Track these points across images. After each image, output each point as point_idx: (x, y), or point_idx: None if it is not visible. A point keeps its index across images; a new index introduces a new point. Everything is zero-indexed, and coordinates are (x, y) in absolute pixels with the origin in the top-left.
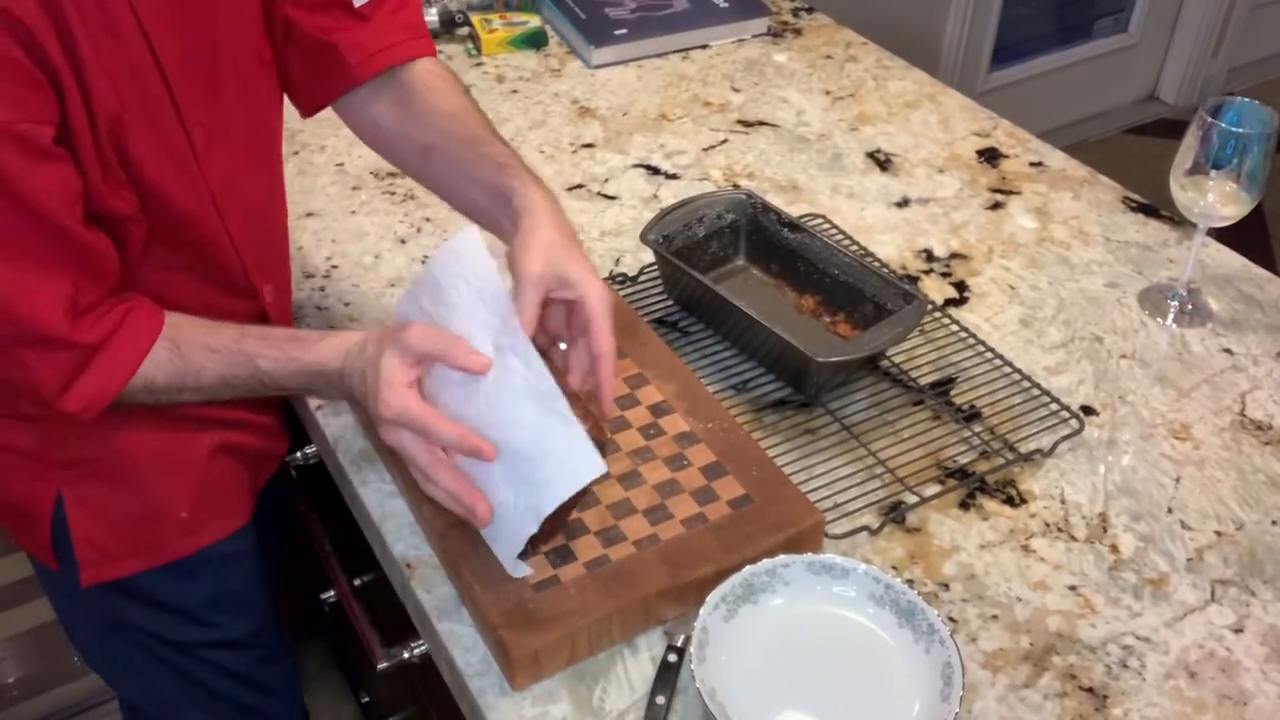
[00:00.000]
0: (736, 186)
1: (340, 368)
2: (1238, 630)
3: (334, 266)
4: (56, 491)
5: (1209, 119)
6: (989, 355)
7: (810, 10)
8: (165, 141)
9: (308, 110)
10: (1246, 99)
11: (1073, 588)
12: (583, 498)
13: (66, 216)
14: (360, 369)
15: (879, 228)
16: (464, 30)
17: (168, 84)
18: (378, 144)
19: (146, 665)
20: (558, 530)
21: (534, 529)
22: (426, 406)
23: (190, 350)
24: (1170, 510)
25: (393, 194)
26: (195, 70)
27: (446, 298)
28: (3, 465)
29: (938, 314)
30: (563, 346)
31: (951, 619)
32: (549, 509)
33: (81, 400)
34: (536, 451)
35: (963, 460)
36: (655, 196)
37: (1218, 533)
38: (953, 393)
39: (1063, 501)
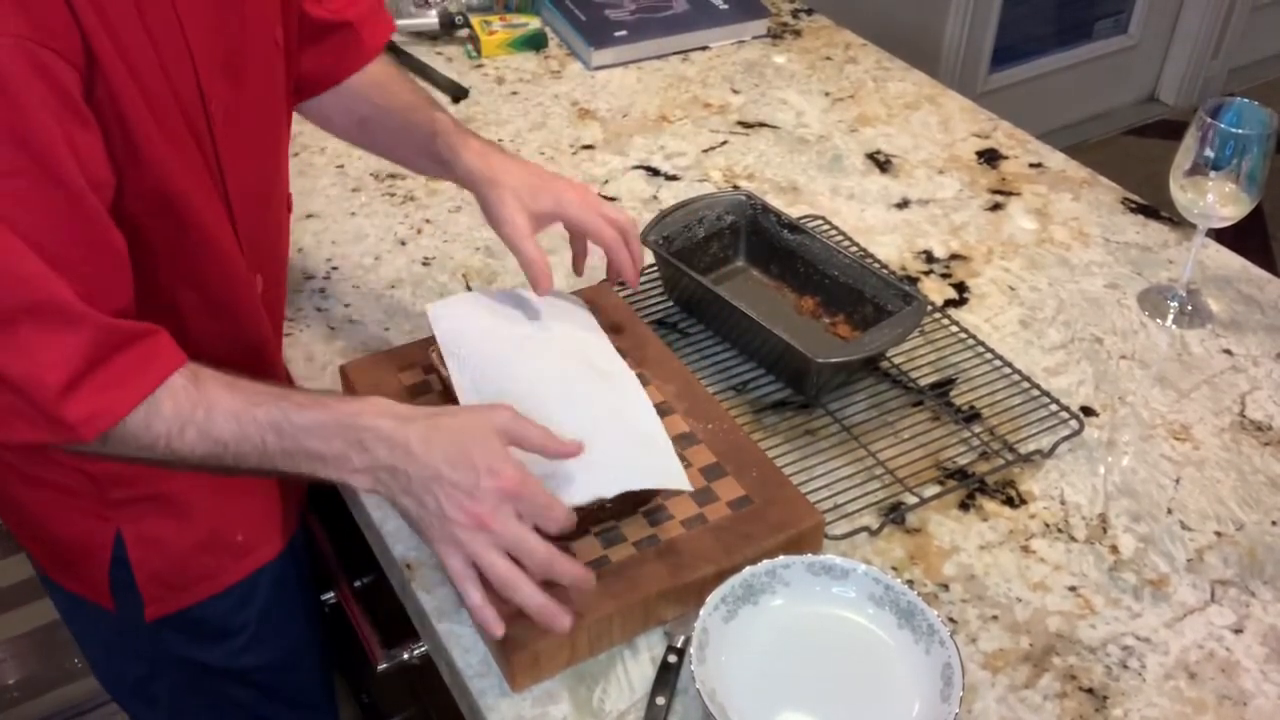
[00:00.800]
0: (736, 188)
1: (391, 431)
2: (1238, 631)
3: (334, 268)
4: (116, 530)
5: (1209, 120)
6: (989, 356)
7: (810, 12)
8: (183, 112)
9: (308, 94)
10: (1246, 100)
11: (1073, 588)
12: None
13: (91, 191)
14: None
15: (879, 229)
16: (464, 32)
17: (191, 52)
18: (314, 116)
19: (187, 698)
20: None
21: (603, 492)
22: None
23: (208, 383)
24: (1170, 511)
25: (393, 195)
26: (220, 42)
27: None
28: (58, 507)
29: (937, 315)
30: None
31: (951, 620)
32: (626, 487)
33: (87, 407)
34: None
35: (962, 461)
36: (655, 198)
37: (1218, 533)
38: (952, 393)
39: (1062, 502)
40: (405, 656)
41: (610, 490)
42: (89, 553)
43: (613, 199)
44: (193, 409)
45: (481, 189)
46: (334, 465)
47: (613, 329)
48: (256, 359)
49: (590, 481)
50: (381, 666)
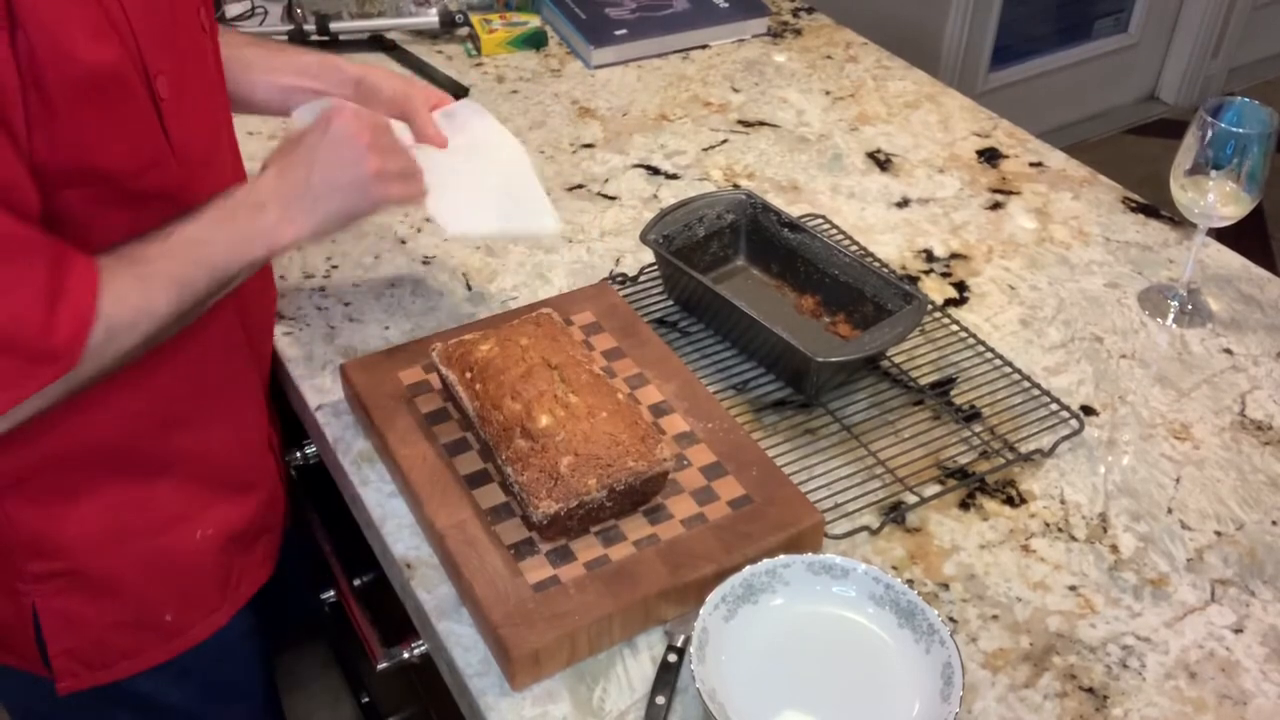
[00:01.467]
0: (736, 186)
1: (272, 174)
2: (1238, 630)
3: (334, 267)
4: (31, 605)
5: (1209, 119)
6: (989, 355)
7: (810, 10)
8: (128, 93)
9: None
10: (1246, 99)
11: (1073, 588)
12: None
13: None
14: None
15: (879, 228)
16: (464, 30)
17: (133, 30)
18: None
19: None
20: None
21: (483, 227)
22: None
23: (130, 251)
24: (1170, 510)
25: None
26: (156, 21)
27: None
28: None
29: (938, 314)
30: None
31: (951, 619)
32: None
33: (72, 322)
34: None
35: (963, 460)
36: (655, 196)
37: (1218, 533)
38: (953, 393)
39: (1063, 501)
40: (405, 655)
41: (483, 228)
42: (12, 626)
43: (613, 198)
44: (143, 277)
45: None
46: (261, 239)
47: (612, 329)
48: (225, 339)
49: (467, 216)
50: (381, 665)
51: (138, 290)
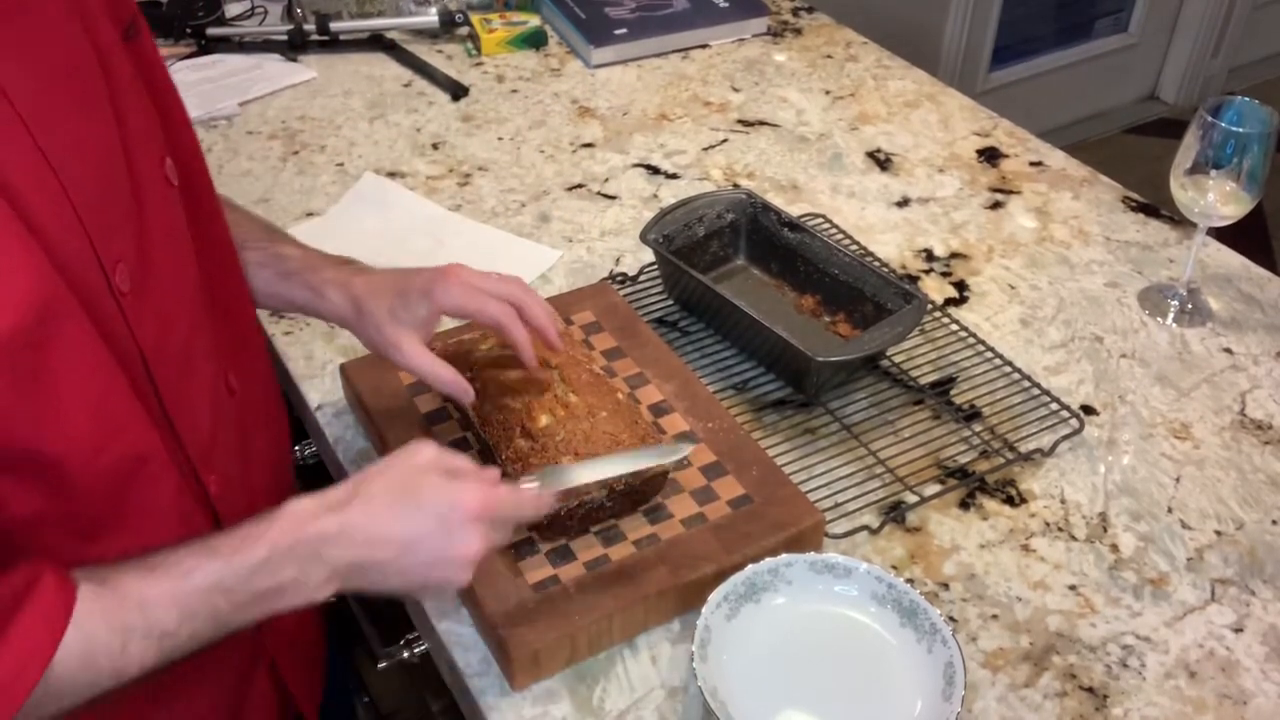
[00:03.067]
0: (736, 186)
1: (337, 529)
2: (1238, 630)
3: None
4: None
5: (1209, 119)
6: (989, 355)
7: (810, 10)
8: (81, 279)
9: None
10: (1246, 99)
11: (1073, 587)
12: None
13: None
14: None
15: (879, 227)
16: (464, 30)
17: (80, 219)
18: None
19: None
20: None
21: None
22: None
23: (123, 579)
24: (1170, 510)
25: None
26: (112, 198)
27: None
28: None
29: (938, 314)
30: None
31: (951, 619)
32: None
33: (10, 671)
34: None
35: (963, 460)
36: (655, 196)
37: (1218, 532)
38: (953, 392)
39: (1063, 501)
40: (405, 655)
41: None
42: None
43: (613, 197)
44: (124, 616)
45: (354, 324)
46: (293, 593)
47: (612, 328)
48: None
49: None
50: (381, 665)
51: (112, 639)
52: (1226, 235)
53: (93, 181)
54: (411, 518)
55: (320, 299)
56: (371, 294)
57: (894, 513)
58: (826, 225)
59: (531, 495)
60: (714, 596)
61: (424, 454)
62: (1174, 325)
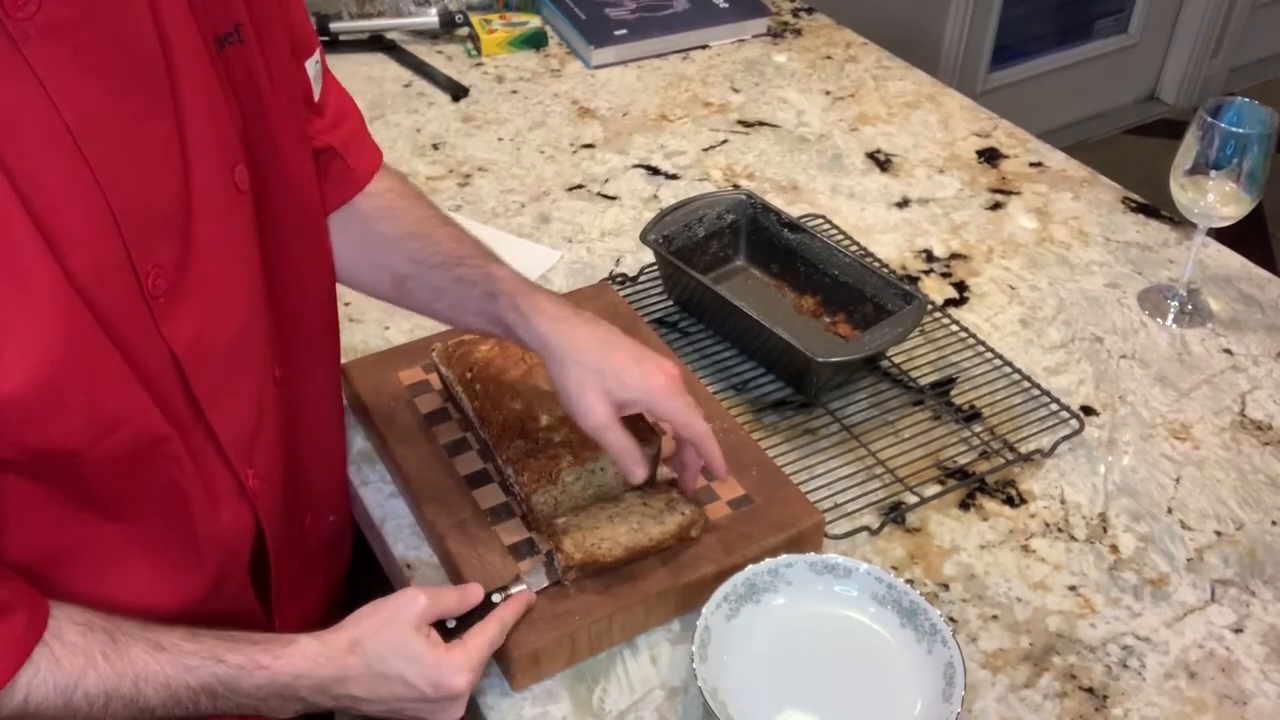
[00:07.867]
0: (736, 187)
1: (328, 684)
2: (1238, 630)
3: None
4: None
5: (1209, 119)
6: (989, 355)
7: (810, 10)
8: (110, 285)
9: None
10: (1246, 99)
11: (1073, 588)
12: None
13: None
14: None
15: (879, 228)
16: (464, 30)
17: (114, 216)
18: (340, 278)
19: None
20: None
21: None
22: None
23: (132, 646)
24: (1170, 510)
25: None
26: (155, 200)
27: None
28: None
29: (938, 314)
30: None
31: (951, 619)
32: None
33: None
34: None
35: (963, 460)
36: (655, 197)
37: (1218, 533)
38: (953, 393)
39: (1063, 501)
40: None
41: None
42: None
43: (613, 198)
44: (118, 682)
45: (558, 364)
46: (274, 713)
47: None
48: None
49: None
50: None
51: (98, 695)
52: (1226, 236)
53: (138, 185)
54: (398, 687)
55: (526, 326)
56: (587, 347)
57: (894, 513)
58: (826, 226)
59: (522, 600)
60: (714, 597)
61: (416, 606)
62: (1174, 326)
